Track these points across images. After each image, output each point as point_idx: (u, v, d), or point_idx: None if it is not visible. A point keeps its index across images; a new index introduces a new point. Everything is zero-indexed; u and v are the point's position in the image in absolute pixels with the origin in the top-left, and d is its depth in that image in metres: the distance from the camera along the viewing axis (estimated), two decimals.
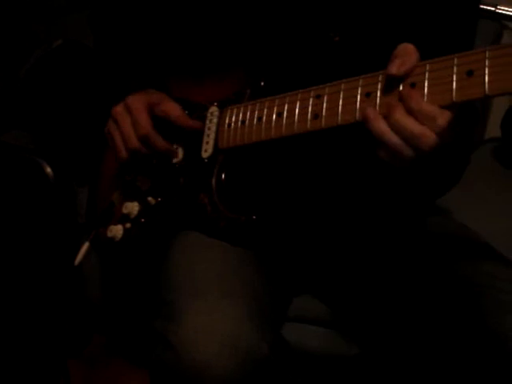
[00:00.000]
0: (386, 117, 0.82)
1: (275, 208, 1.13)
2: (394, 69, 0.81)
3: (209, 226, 1.08)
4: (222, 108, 1.09)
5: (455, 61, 0.77)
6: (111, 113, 1.12)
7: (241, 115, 1.05)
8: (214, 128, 1.09)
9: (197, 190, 1.10)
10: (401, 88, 0.82)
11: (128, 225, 1.17)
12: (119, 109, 1.11)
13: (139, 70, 1.22)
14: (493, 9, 1.33)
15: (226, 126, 1.07)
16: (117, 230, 1.17)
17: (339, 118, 0.88)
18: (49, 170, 1.58)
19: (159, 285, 1.06)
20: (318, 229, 1.16)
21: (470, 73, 0.75)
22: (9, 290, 1.58)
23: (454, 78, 0.77)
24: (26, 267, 1.60)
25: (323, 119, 0.91)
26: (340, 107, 0.88)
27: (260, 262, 1.08)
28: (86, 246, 1.20)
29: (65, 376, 1.64)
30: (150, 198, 1.15)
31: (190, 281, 1.00)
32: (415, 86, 0.80)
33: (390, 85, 0.83)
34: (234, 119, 1.06)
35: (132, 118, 1.09)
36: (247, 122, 1.03)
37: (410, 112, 0.80)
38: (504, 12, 1.32)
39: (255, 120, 1.02)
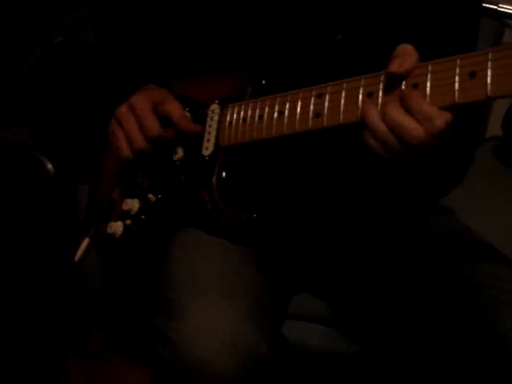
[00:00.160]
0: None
1: (276, 206, 1.13)
2: (395, 67, 0.81)
3: (209, 224, 1.08)
4: (223, 105, 1.09)
5: (458, 62, 0.77)
6: (115, 113, 1.12)
7: (242, 113, 1.05)
8: (214, 126, 1.09)
9: (197, 187, 1.10)
10: (403, 88, 0.82)
11: (128, 221, 1.17)
12: (123, 109, 1.10)
13: (140, 66, 1.21)
14: (494, 7, 1.33)
15: (227, 123, 1.07)
16: (117, 227, 1.17)
17: (341, 117, 0.88)
18: (50, 166, 1.58)
19: (159, 282, 1.06)
20: (319, 227, 1.16)
21: (472, 74, 0.75)
22: (9, 286, 1.59)
23: (457, 80, 0.76)
24: (26, 263, 1.60)
25: (325, 118, 0.91)
26: (342, 106, 0.88)
27: (260, 260, 1.08)
28: (86, 242, 1.20)
29: (65, 372, 1.65)
30: (150, 195, 1.15)
31: (190, 278, 1.01)
32: (417, 86, 0.80)
33: (392, 85, 0.83)
34: (235, 117, 1.06)
35: (137, 119, 1.08)
36: (248, 119, 1.03)
37: (408, 111, 0.80)
38: (505, 10, 1.32)
39: (256, 118, 1.01)
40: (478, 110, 1.07)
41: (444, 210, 1.25)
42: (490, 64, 0.73)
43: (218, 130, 1.09)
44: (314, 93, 0.93)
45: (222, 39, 1.11)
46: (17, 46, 1.78)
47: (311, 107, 0.92)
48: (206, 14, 1.12)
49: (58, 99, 1.66)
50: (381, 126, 0.82)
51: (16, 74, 1.70)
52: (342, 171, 1.11)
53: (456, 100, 0.77)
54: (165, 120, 1.10)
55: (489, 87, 0.73)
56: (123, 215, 1.18)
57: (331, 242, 1.16)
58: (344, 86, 0.89)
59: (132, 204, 1.17)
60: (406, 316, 1.07)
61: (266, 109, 1.00)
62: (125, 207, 1.18)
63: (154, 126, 1.08)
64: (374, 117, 0.83)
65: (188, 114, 1.12)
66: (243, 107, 1.05)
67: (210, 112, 1.11)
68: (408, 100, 0.80)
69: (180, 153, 1.14)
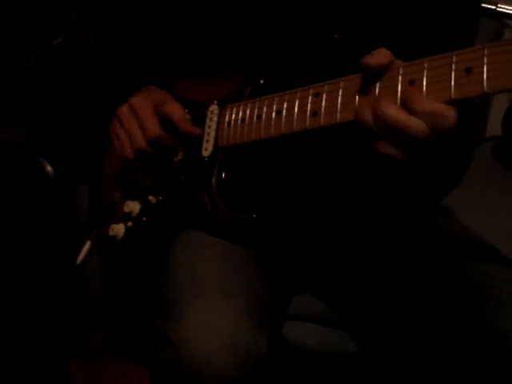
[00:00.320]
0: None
1: (275, 206, 1.13)
2: (368, 59, 0.82)
3: (209, 225, 1.08)
4: (222, 106, 1.09)
5: (454, 58, 0.77)
6: (116, 113, 1.12)
7: (240, 113, 1.05)
8: (214, 126, 1.10)
9: (197, 188, 1.10)
10: (399, 85, 0.82)
11: (129, 223, 1.17)
12: (124, 109, 1.11)
13: (139, 68, 1.22)
14: (493, 7, 1.32)
15: (226, 124, 1.07)
16: (118, 229, 1.18)
17: (338, 115, 0.88)
18: (49, 168, 1.58)
19: (160, 283, 1.07)
20: (318, 227, 1.16)
21: (468, 70, 0.75)
22: (10, 287, 1.59)
23: (453, 76, 0.76)
24: (26, 265, 1.60)
25: (322, 117, 0.91)
26: (339, 105, 0.88)
27: (260, 260, 1.08)
28: (87, 244, 1.20)
29: (65, 373, 1.65)
30: (150, 197, 1.16)
31: (190, 279, 1.01)
32: (414, 83, 0.80)
33: (388, 82, 0.83)
34: (233, 117, 1.06)
35: (138, 120, 1.09)
36: (247, 120, 1.03)
37: (412, 113, 0.79)
38: (505, 10, 1.32)
39: (255, 118, 1.02)
40: (476, 111, 1.07)
41: (443, 210, 1.25)
42: (485, 60, 0.73)
43: (217, 130, 1.09)
44: (311, 92, 0.93)
45: (219, 40, 1.11)
46: (16, 47, 1.79)
47: (308, 106, 0.92)
48: (204, 14, 1.12)
49: (57, 101, 1.67)
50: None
51: (16, 76, 1.70)
52: (341, 171, 1.11)
53: (452, 96, 0.77)
54: (165, 121, 1.10)
55: (485, 82, 0.73)
56: (124, 217, 1.18)
57: (331, 241, 1.16)
58: (341, 84, 0.89)
59: (133, 206, 1.17)
60: (405, 316, 1.07)
61: (264, 109, 1.00)
62: (126, 209, 1.18)
63: (154, 127, 1.08)
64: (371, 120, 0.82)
65: (188, 116, 1.13)
66: (242, 107, 1.05)
67: (209, 113, 1.11)
68: (409, 102, 0.79)
69: (179, 154, 1.14)
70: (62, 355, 1.68)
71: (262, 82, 1.06)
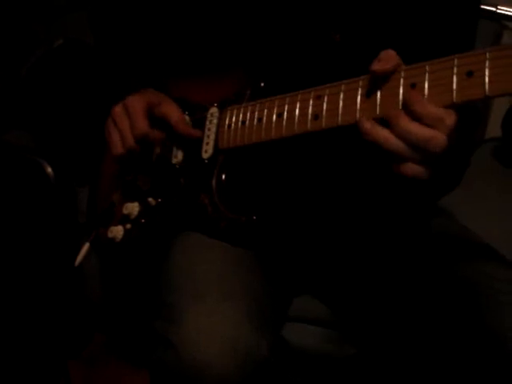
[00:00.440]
0: (391, 126, 0.81)
1: (276, 209, 1.13)
2: (378, 65, 0.82)
3: (209, 227, 1.08)
4: (222, 108, 1.09)
5: (455, 61, 0.77)
6: (110, 112, 1.12)
7: (241, 116, 1.05)
8: (214, 129, 1.09)
9: (197, 190, 1.10)
10: (401, 88, 0.82)
11: (128, 225, 1.17)
12: (118, 109, 1.10)
13: (139, 69, 1.22)
14: (493, 9, 1.32)
15: (226, 126, 1.07)
16: (117, 231, 1.17)
17: (339, 118, 0.88)
18: (49, 169, 1.58)
19: (160, 286, 1.07)
20: (319, 229, 1.16)
21: (470, 73, 0.75)
22: (9, 290, 1.59)
23: (454, 79, 0.76)
24: (26, 267, 1.60)
25: (323, 120, 0.91)
26: (340, 108, 0.88)
27: (260, 262, 1.08)
28: (86, 246, 1.19)
29: (65, 376, 1.65)
30: (150, 199, 1.15)
31: (190, 282, 1.01)
32: (415, 86, 0.80)
33: (390, 85, 0.83)
34: (234, 120, 1.06)
35: (130, 119, 1.09)
36: (247, 122, 1.03)
37: (414, 116, 0.79)
38: (504, 12, 1.32)
39: (255, 121, 1.01)
40: (476, 114, 1.08)
41: (443, 211, 1.25)
42: (487, 63, 0.73)
43: (217, 133, 1.09)
44: (312, 94, 0.93)
45: (220, 41, 1.11)
46: (17, 48, 1.79)
47: (310, 109, 0.92)
48: (204, 15, 1.12)
49: (57, 102, 1.67)
50: (400, 145, 0.80)
51: (16, 77, 1.70)
52: (341, 173, 1.11)
53: (454, 99, 0.77)
54: (163, 122, 1.10)
55: (487, 86, 0.73)
56: (123, 219, 1.18)
57: (331, 243, 1.16)
58: (342, 87, 0.89)
59: (132, 208, 1.17)
60: (405, 317, 1.07)
61: (265, 111, 1.00)
62: (125, 211, 1.18)
63: (141, 125, 1.08)
64: (388, 137, 0.81)
65: (187, 118, 1.13)
66: (242, 110, 1.05)
67: (209, 115, 1.11)
68: (411, 104, 0.79)
69: (179, 156, 1.14)
70: (61, 358, 1.68)
71: (262, 84, 1.06)
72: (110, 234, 1.18)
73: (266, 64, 1.07)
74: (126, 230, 1.17)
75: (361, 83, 0.86)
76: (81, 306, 1.69)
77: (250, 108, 1.03)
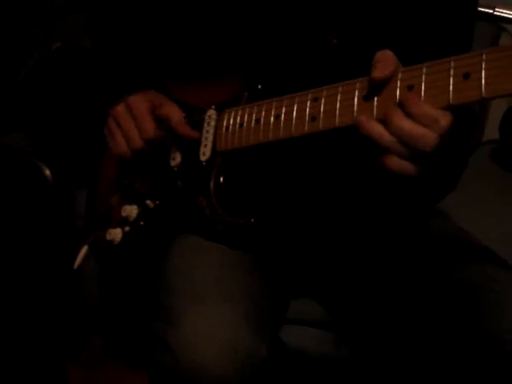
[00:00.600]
0: (385, 123, 0.82)
1: (273, 211, 1.13)
2: (378, 72, 0.82)
3: (207, 229, 1.07)
4: (220, 111, 1.09)
5: (452, 63, 0.77)
6: (111, 112, 1.11)
7: (238, 118, 1.05)
8: (211, 131, 1.09)
9: (195, 193, 1.10)
10: (398, 90, 0.82)
11: (127, 228, 1.17)
12: (120, 108, 1.10)
13: (137, 72, 1.22)
14: (490, 11, 1.33)
15: (224, 128, 1.07)
16: (115, 234, 1.17)
17: (336, 120, 0.88)
18: (48, 172, 1.58)
19: (158, 288, 1.06)
20: (317, 232, 1.16)
21: (466, 75, 0.75)
22: (8, 292, 1.58)
23: (451, 81, 0.77)
24: (24, 270, 1.60)
25: (321, 121, 0.91)
26: (337, 110, 0.88)
27: (258, 265, 1.08)
28: (84, 249, 1.19)
29: (64, 378, 1.65)
30: (148, 201, 1.15)
31: (188, 285, 1.00)
32: (412, 88, 0.80)
33: (387, 87, 0.83)
34: (231, 122, 1.06)
35: (135, 119, 1.08)
36: (245, 124, 1.03)
37: (409, 116, 0.80)
38: (502, 14, 1.32)
39: (253, 123, 1.01)
40: (472, 117, 1.08)
41: (441, 213, 1.25)
42: (484, 65, 0.74)
43: (215, 135, 1.09)
44: (309, 96, 0.93)
45: (217, 44, 1.11)
46: (16, 50, 1.79)
47: (307, 111, 0.92)
48: (202, 19, 1.12)
49: (56, 105, 1.67)
50: (393, 141, 0.81)
51: (14, 80, 1.70)
52: (339, 176, 1.11)
53: (451, 101, 0.77)
54: (161, 123, 1.10)
55: (483, 88, 0.74)
56: (122, 222, 1.18)
57: (328, 246, 1.16)
58: (340, 89, 0.89)
59: (130, 210, 1.17)
60: (404, 319, 1.07)
61: (263, 113, 1.00)
62: (123, 213, 1.18)
63: (150, 127, 1.08)
64: (382, 133, 0.82)
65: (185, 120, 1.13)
66: (240, 112, 1.05)
67: (206, 117, 1.11)
68: (407, 105, 0.80)
69: (177, 159, 1.14)
70: (60, 361, 1.68)
71: (259, 86, 1.06)
72: (108, 237, 1.18)
73: (263, 66, 1.07)
74: (124, 233, 1.17)
75: (358, 85, 0.87)
76: (79, 309, 1.69)
77: (247, 110, 1.03)
